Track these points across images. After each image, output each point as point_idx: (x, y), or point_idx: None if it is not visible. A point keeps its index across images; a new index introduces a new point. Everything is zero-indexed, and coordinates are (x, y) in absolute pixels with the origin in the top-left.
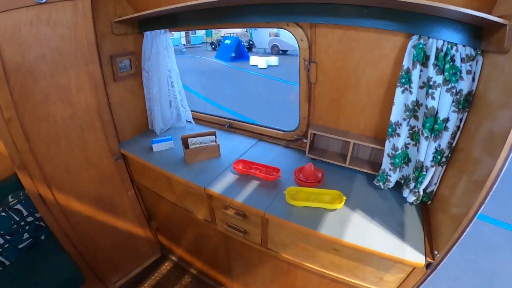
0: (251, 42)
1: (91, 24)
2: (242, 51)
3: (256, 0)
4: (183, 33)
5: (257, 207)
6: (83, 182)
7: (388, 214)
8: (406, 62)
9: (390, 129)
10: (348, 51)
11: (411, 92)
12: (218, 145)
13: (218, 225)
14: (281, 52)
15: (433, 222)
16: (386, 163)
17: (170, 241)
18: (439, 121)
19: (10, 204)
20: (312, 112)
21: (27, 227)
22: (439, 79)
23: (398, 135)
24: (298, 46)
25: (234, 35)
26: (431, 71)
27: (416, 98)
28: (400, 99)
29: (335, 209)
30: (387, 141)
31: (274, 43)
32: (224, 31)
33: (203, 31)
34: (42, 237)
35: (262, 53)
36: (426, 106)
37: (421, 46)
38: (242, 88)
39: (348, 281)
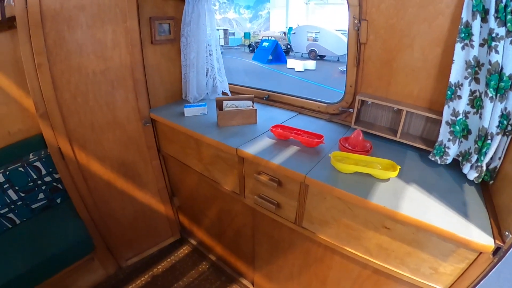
0: (288, 46)
1: None
2: (279, 54)
3: None
4: (221, 34)
5: (297, 170)
6: (107, 142)
7: (447, 192)
8: (465, 15)
9: (449, 92)
10: (402, 6)
11: (472, 47)
12: (255, 109)
13: (247, 197)
14: (318, 57)
15: (498, 203)
16: (444, 133)
17: (192, 222)
18: (504, 78)
19: (30, 160)
20: (360, 79)
21: (43, 187)
22: (501, 31)
23: (459, 97)
24: (348, 3)
25: (273, 38)
26: (492, 23)
27: (477, 57)
28: (460, 56)
29: (388, 179)
30: (445, 107)
31: (312, 48)
32: (263, 34)
33: (242, 33)
34: (58, 200)
35: (300, 57)
36: (490, 61)
37: None
38: (278, 88)
39: (395, 272)
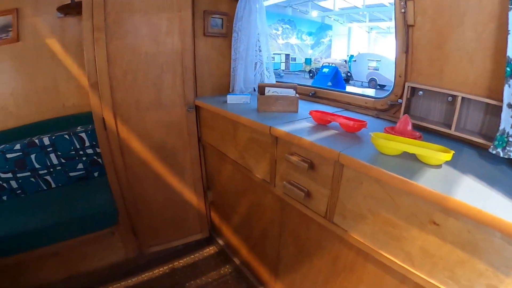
0: (349, 74)
1: None
2: (339, 81)
3: None
4: (283, 59)
5: (331, 147)
6: (150, 122)
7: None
8: None
9: (508, 68)
10: None
11: None
12: (297, 97)
13: (277, 186)
14: (378, 86)
15: None
16: (506, 119)
17: (222, 220)
18: None
19: (76, 131)
20: (409, 66)
21: (84, 158)
22: None
23: None
24: None
25: (333, 65)
26: None
27: None
28: None
29: (440, 166)
30: (505, 86)
31: (372, 77)
32: (324, 61)
33: (303, 59)
34: (95, 174)
35: (359, 86)
36: None
37: None
38: None
39: None
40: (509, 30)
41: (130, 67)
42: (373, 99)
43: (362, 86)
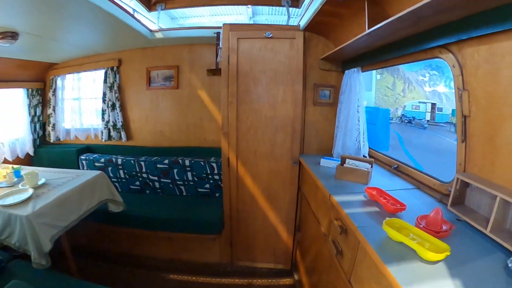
0: None
1: (301, 57)
2: None
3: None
4: (428, 108)
5: (355, 222)
6: (262, 167)
7: None
8: None
9: None
10: (496, 70)
11: None
12: (368, 172)
13: (328, 242)
14: None
15: None
16: None
17: (301, 259)
18: None
19: (210, 160)
20: (468, 157)
21: (211, 181)
22: None
23: None
24: (452, 74)
25: None
26: None
27: None
28: None
29: (435, 262)
30: None
31: None
32: None
33: (449, 110)
34: (216, 194)
35: None
36: None
37: None
38: None
39: None
40: None
41: (253, 125)
42: (440, 182)
43: None
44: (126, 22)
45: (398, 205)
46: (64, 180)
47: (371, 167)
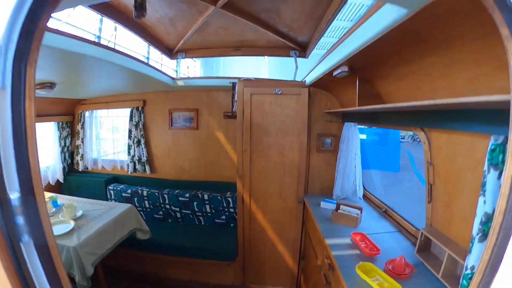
0: None
1: (306, 111)
2: None
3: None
4: None
5: (338, 263)
6: (271, 205)
7: None
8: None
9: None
10: (453, 155)
11: None
12: (357, 218)
13: (321, 273)
14: None
15: None
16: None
17: (304, 282)
18: None
19: (226, 195)
20: (433, 214)
21: (227, 213)
22: None
23: None
24: (423, 149)
25: None
26: None
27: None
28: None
29: None
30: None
31: None
32: None
33: None
34: (232, 225)
35: None
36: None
37: None
38: None
39: None
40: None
41: (263, 168)
42: (415, 229)
43: None
44: (152, 76)
45: (375, 249)
46: (99, 212)
47: (361, 212)
